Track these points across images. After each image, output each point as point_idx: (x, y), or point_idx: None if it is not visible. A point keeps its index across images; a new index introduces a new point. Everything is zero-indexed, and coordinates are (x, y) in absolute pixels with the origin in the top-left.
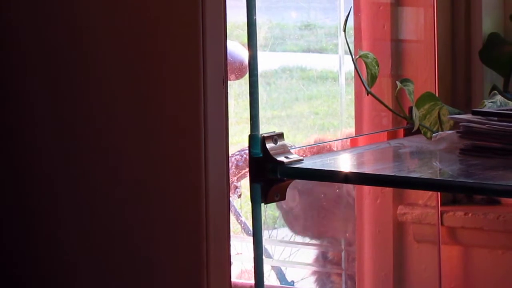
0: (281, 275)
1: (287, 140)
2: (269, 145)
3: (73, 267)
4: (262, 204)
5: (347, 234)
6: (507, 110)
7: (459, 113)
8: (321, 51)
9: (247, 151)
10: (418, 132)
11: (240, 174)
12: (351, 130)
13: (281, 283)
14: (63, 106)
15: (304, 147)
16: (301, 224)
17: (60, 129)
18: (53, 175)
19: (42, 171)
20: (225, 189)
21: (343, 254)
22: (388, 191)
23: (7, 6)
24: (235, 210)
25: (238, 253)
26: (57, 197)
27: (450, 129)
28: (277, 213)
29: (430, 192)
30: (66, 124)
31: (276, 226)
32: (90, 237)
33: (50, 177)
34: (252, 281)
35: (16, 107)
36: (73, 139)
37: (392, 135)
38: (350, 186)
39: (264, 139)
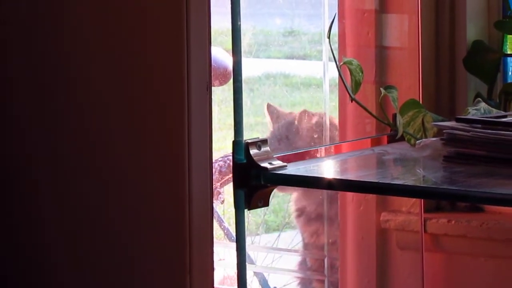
0: (263, 281)
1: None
2: (253, 151)
3: (56, 269)
4: (246, 210)
5: (330, 240)
6: (491, 117)
7: (443, 120)
8: (304, 57)
9: (231, 157)
10: (402, 139)
11: (223, 180)
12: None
13: None
14: (50, 107)
15: (287, 153)
16: None
17: (46, 131)
18: (38, 176)
19: (27, 170)
20: (209, 195)
21: (325, 260)
22: (372, 198)
23: None
24: (218, 216)
25: (220, 259)
26: (41, 198)
27: (434, 136)
28: (260, 219)
29: (414, 199)
30: (52, 125)
31: (259, 232)
32: (73, 242)
33: (35, 177)
34: (235, 287)
35: (1, 105)
36: (60, 141)
37: (376, 142)
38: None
39: (248, 145)
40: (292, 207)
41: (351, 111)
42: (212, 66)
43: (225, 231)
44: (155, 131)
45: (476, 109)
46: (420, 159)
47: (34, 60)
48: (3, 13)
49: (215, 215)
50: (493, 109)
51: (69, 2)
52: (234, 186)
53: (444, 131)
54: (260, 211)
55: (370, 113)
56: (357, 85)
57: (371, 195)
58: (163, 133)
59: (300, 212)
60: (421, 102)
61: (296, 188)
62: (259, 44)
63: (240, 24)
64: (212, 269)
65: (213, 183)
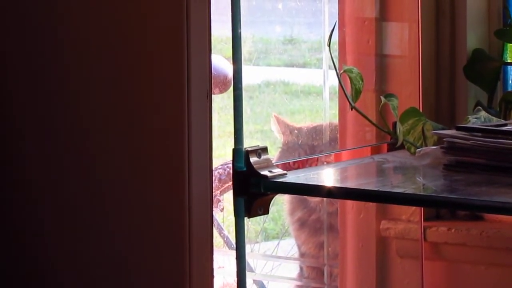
0: None
1: (270, 155)
2: (253, 159)
3: (56, 274)
4: (245, 218)
5: (329, 249)
6: (491, 126)
7: (443, 129)
8: (304, 65)
9: (230, 165)
10: (402, 147)
11: (223, 188)
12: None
13: None
14: (50, 110)
15: (287, 161)
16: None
17: (46, 134)
18: (37, 178)
19: (28, 172)
20: (209, 202)
21: (325, 268)
22: (371, 206)
23: None
24: (218, 224)
25: (220, 267)
26: (41, 201)
27: (434, 145)
28: (259, 227)
29: (413, 207)
30: (53, 129)
31: (258, 240)
32: (73, 247)
33: (35, 180)
34: None
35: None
36: (60, 146)
37: (376, 150)
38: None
39: (248, 153)
40: (288, 219)
41: (351, 119)
42: (212, 74)
43: (225, 239)
44: (155, 138)
45: (476, 118)
46: (420, 168)
47: (34, 62)
48: (3, 14)
49: (214, 223)
50: (493, 117)
51: (69, 8)
52: (234, 194)
53: (444, 139)
54: (259, 219)
55: (370, 121)
56: (357, 93)
57: (371, 203)
58: (163, 140)
59: (301, 223)
60: (421, 110)
61: (289, 199)
62: (259, 52)
63: (240, 32)
64: (212, 276)
65: (213, 190)
